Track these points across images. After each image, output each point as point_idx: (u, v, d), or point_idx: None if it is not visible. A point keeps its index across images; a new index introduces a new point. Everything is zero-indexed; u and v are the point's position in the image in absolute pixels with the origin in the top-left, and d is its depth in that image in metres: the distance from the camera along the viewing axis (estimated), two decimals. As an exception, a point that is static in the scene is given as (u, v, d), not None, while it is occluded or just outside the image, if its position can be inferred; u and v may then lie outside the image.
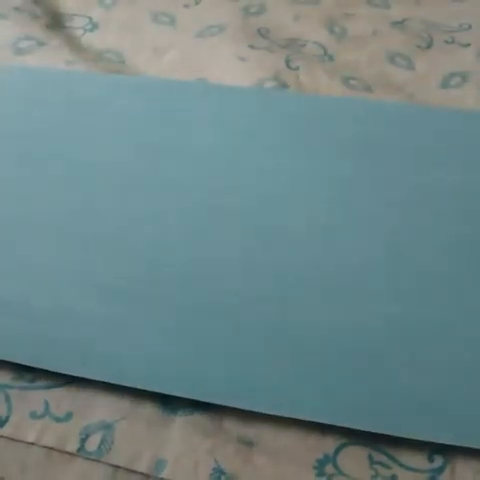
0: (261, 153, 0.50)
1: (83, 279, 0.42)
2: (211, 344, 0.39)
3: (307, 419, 0.36)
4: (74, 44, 0.62)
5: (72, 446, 0.36)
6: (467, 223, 0.45)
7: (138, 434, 0.36)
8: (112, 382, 0.37)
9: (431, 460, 0.35)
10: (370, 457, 0.35)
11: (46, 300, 0.41)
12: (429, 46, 0.61)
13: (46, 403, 0.37)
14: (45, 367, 0.38)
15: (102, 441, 0.36)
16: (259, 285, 0.42)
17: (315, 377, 0.37)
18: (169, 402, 0.37)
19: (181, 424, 0.37)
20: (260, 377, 0.38)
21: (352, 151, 0.50)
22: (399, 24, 0.63)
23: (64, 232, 0.45)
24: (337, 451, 0.35)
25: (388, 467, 0.35)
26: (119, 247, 0.44)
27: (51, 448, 0.36)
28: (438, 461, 0.35)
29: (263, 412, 0.36)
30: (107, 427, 0.36)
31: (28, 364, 0.38)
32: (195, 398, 0.37)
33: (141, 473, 0.35)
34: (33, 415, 0.37)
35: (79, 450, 0.36)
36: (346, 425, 0.35)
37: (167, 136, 0.51)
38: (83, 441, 0.36)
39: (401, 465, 0.35)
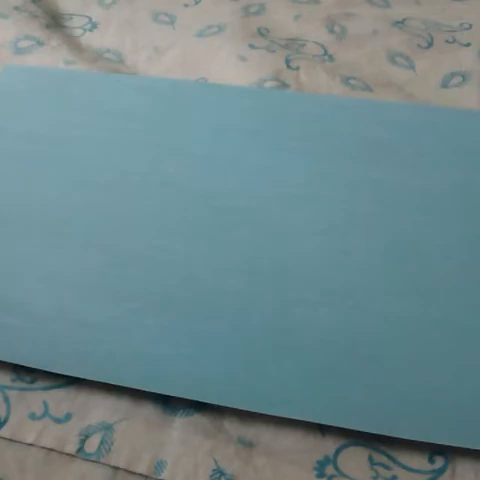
0: (262, 153, 0.50)
1: (83, 279, 0.42)
2: (211, 344, 0.39)
3: (307, 420, 0.36)
4: (73, 44, 0.62)
5: (71, 447, 0.36)
6: (468, 223, 0.45)
7: (138, 435, 0.36)
8: (112, 383, 0.37)
9: (432, 461, 0.35)
10: (370, 458, 0.35)
11: (45, 300, 0.41)
12: (430, 46, 0.61)
13: (45, 404, 0.37)
14: (44, 368, 0.38)
15: (102, 442, 0.36)
16: (260, 285, 0.42)
17: (315, 377, 0.37)
18: (169, 403, 0.37)
19: (181, 425, 0.36)
20: (260, 378, 0.37)
21: (353, 151, 0.50)
22: (399, 23, 0.63)
23: (64, 232, 0.45)
24: (337, 452, 0.35)
25: (389, 468, 0.35)
26: (118, 247, 0.44)
27: (50, 449, 0.36)
28: (439, 462, 0.35)
29: (262, 413, 0.36)
30: (107, 428, 0.36)
31: (27, 365, 0.38)
32: (194, 399, 0.37)
33: (141, 474, 0.35)
34: (32, 416, 0.37)
35: (78, 451, 0.35)
36: (346, 426, 0.35)
37: (168, 136, 0.51)
38: (82, 442, 0.36)
39: (402, 466, 0.35)
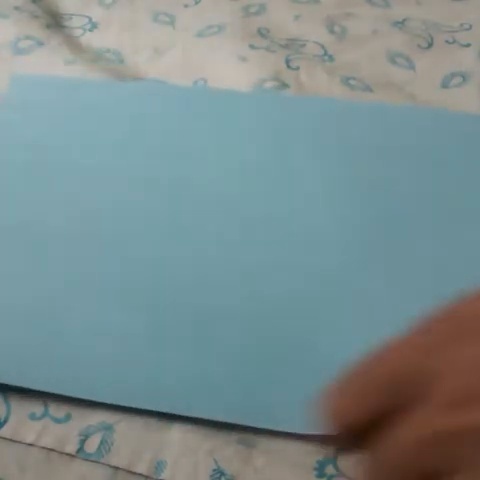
0: (264, 155, 0.50)
1: (84, 285, 0.42)
2: (211, 360, 0.39)
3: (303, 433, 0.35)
4: (73, 44, 0.62)
5: (71, 447, 0.36)
6: (468, 226, 0.44)
7: (138, 435, 0.36)
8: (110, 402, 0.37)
9: (432, 461, 0.35)
10: (370, 458, 0.35)
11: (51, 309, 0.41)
12: (430, 46, 0.61)
13: (45, 404, 0.37)
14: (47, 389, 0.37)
15: (102, 442, 0.36)
16: (258, 287, 0.42)
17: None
18: (169, 403, 0.37)
19: (181, 425, 0.36)
20: (259, 394, 0.37)
21: (353, 153, 0.49)
22: (399, 24, 0.63)
23: (74, 237, 0.44)
24: (337, 452, 0.35)
25: (389, 468, 0.35)
26: (132, 254, 0.44)
27: (50, 449, 0.36)
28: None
29: (261, 427, 0.36)
30: (107, 428, 0.36)
31: (34, 388, 0.37)
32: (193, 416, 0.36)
33: (141, 474, 0.35)
34: (32, 416, 0.37)
35: (78, 451, 0.35)
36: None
37: (170, 141, 0.51)
38: (82, 442, 0.36)
39: (402, 466, 0.35)
